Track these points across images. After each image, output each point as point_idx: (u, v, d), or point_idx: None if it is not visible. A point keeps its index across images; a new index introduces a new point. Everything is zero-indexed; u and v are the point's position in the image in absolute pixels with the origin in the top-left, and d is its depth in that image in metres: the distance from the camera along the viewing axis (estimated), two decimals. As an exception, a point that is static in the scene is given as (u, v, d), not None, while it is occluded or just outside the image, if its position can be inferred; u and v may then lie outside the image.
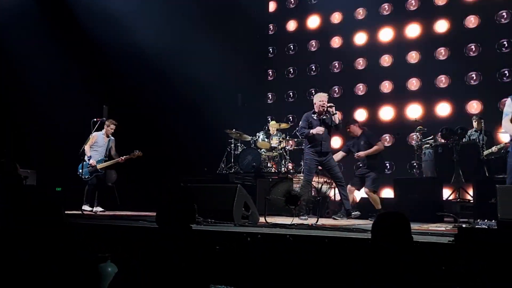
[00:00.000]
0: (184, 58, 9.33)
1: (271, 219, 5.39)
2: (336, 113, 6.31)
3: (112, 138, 7.51)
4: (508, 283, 2.73)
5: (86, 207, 7.08)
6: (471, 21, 9.12)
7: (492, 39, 8.86)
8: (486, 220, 5.58)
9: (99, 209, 7.15)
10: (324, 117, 6.38)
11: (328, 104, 6.35)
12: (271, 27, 11.50)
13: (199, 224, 4.53)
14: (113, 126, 7.42)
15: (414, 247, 2.64)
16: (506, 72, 8.61)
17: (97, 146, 7.38)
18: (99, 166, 7.24)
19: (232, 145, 8.81)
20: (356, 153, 6.95)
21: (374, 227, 2.55)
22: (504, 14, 8.81)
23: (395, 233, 2.47)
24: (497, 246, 2.82)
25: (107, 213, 6.98)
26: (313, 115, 6.42)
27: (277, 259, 3.58)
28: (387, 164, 9.01)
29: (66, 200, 6.72)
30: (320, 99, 6.41)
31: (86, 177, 7.17)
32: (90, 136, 7.21)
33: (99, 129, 7.33)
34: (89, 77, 9.09)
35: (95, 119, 7.18)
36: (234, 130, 8.73)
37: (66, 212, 2.70)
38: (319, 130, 6.13)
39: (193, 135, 9.64)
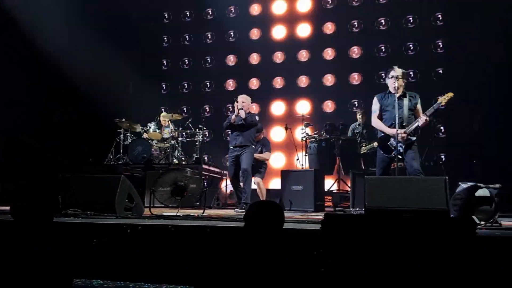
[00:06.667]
0: (72, 43, 8.78)
1: (160, 211, 5.29)
2: (241, 109, 6.47)
3: None
4: (372, 263, 3.00)
5: None
6: (355, 25, 9.86)
7: (373, 43, 9.66)
8: (358, 208, 6.12)
9: None
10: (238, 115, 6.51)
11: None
12: (166, 15, 11.22)
13: (76, 216, 4.29)
14: None
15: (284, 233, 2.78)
16: (382, 74, 9.44)
17: None
18: None
19: (122, 135, 8.46)
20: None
21: (247, 214, 2.64)
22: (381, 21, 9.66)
23: (266, 220, 2.59)
24: (362, 231, 3.10)
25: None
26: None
27: (158, 250, 3.53)
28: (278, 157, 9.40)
29: None
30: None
31: None
32: None
33: None
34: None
35: None
36: (124, 119, 8.39)
37: None
38: None
39: (79, 123, 9.07)
